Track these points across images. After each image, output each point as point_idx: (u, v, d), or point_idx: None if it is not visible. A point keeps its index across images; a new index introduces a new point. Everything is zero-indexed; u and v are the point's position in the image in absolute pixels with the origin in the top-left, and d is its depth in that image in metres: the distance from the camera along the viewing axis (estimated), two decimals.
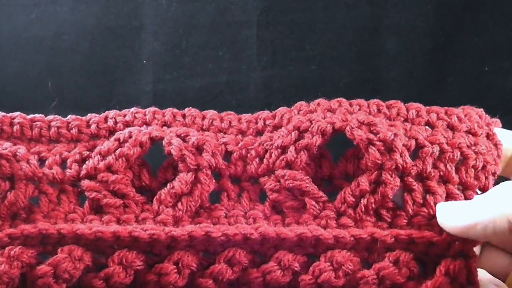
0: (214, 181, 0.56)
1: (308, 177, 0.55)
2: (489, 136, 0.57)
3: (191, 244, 0.53)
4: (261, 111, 0.60)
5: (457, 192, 0.54)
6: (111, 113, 0.59)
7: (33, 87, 0.99)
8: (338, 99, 0.59)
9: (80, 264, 0.51)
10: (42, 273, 0.51)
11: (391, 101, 0.58)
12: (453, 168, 0.54)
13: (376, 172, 0.53)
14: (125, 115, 0.59)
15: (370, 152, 0.53)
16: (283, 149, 0.55)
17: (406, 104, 0.58)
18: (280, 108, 0.59)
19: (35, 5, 0.98)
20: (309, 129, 0.55)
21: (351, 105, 0.58)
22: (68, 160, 0.57)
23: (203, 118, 0.59)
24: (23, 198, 0.54)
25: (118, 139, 0.57)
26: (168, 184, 0.56)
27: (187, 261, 0.52)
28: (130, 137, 0.56)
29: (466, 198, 0.54)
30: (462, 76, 0.93)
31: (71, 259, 0.51)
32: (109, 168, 0.56)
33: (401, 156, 0.53)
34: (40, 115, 0.59)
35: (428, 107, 0.58)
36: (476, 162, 0.54)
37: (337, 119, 0.55)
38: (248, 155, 0.57)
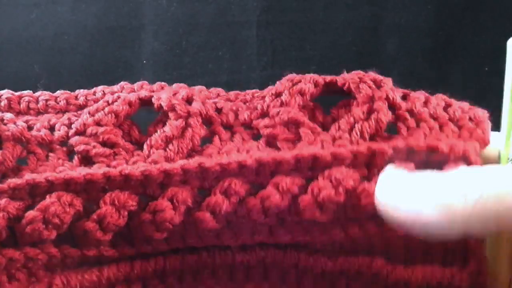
0: (205, 127, 0.56)
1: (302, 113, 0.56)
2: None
3: (185, 180, 0.51)
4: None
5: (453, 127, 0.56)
6: (99, 87, 0.60)
7: (33, 87, 0.98)
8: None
9: (70, 209, 0.49)
10: (31, 218, 0.48)
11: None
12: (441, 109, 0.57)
13: (368, 104, 0.54)
14: (113, 89, 0.60)
15: (361, 88, 0.55)
16: (278, 94, 0.56)
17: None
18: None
19: (35, 5, 0.98)
20: (302, 80, 0.57)
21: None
22: (56, 125, 0.57)
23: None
24: (11, 157, 0.52)
25: (107, 101, 0.57)
26: (158, 130, 0.55)
27: (182, 197, 0.50)
28: (119, 97, 0.57)
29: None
30: (462, 76, 0.93)
31: (61, 203, 0.49)
32: (98, 123, 0.55)
33: (391, 90, 0.55)
34: (28, 91, 0.60)
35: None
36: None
37: (328, 77, 0.58)
38: (239, 108, 0.58)
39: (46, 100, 0.59)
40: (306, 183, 0.51)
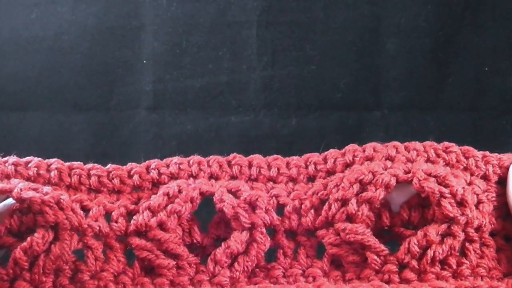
0: (269, 238, 0.54)
1: (369, 230, 0.53)
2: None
3: None
4: (309, 154, 0.57)
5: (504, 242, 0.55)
6: (153, 163, 0.57)
7: (33, 87, 0.99)
8: (394, 144, 0.57)
9: None
10: None
11: (446, 144, 0.56)
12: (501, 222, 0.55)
13: (445, 224, 0.52)
14: (168, 166, 0.57)
15: (442, 205, 0.52)
16: (344, 201, 0.54)
17: (461, 148, 0.56)
18: (331, 151, 0.57)
19: (35, 5, 0.98)
20: (372, 182, 0.54)
21: (407, 150, 0.56)
22: (113, 213, 0.54)
23: (250, 165, 0.57)
24: (69, 250, 0.50)
25: (167, 194, 0.54)
26: (223, 244, 0.53)
27: None
28: (180, 192, 0.54)
29: None
30: (462, 76, 0.93)
31: None
32: (160, 226, 0.53)
33: (471, 211, 0.52)
34: (79, 162, 0.56)
35: (483, 154, 0.56)
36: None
37: (400, 170, 0.54)
38: (302, 206, 0.55)
39: (99, 177, 0.56)
40: None
